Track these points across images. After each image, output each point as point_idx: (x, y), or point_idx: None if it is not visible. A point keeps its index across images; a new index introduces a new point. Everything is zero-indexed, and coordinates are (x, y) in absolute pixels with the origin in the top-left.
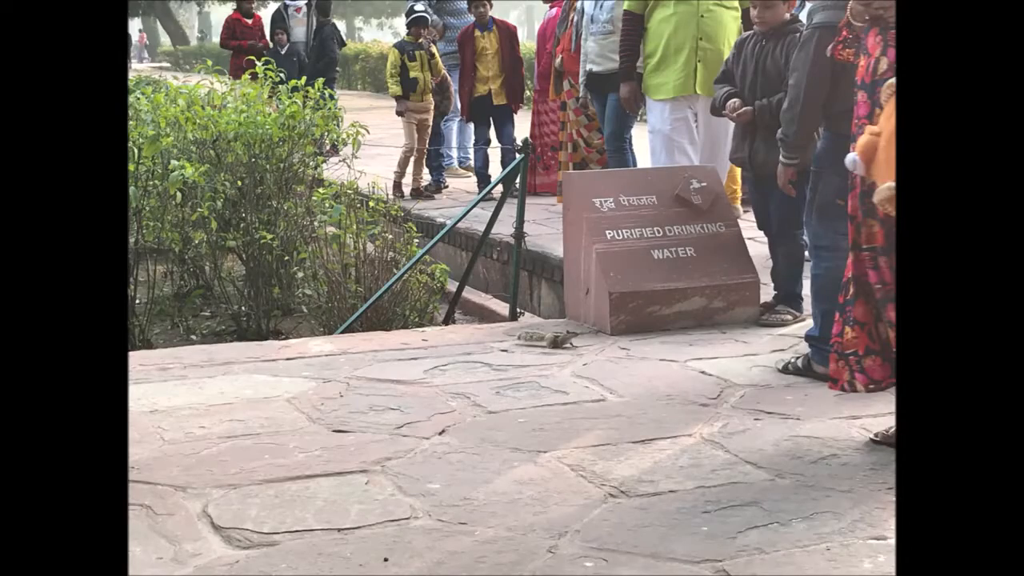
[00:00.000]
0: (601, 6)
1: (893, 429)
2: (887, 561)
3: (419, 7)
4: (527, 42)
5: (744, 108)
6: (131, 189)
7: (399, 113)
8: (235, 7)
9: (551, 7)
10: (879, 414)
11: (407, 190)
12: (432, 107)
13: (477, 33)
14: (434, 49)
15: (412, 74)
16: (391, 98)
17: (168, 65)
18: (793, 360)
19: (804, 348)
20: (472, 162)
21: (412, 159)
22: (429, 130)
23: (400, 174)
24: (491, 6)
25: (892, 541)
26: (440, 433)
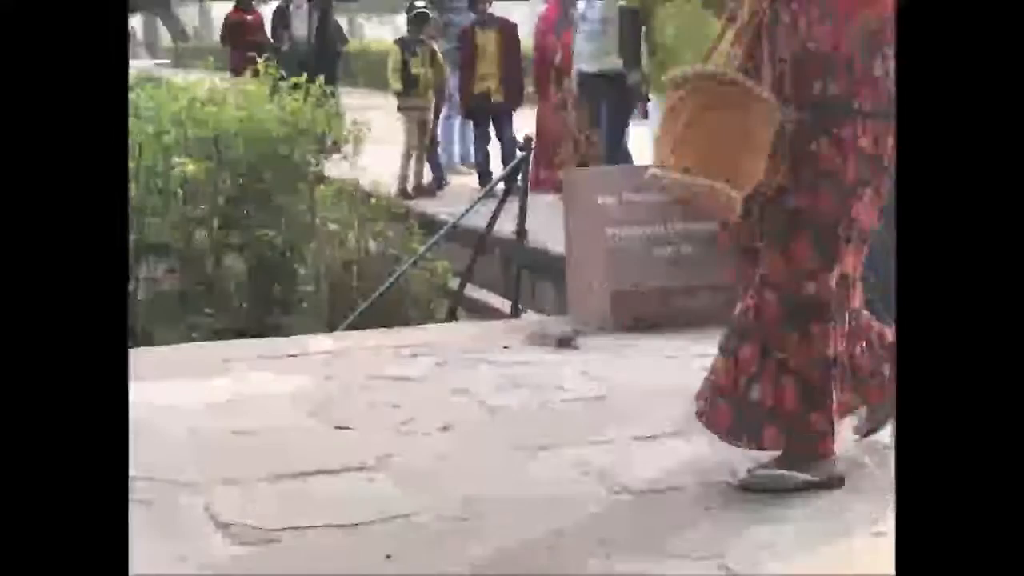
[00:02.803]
0: (593, 5)
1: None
2: (888, 558)
3: (420, 3)
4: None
5: None
6: (131, 186)
7: (400, 109)
8: (236, 3)
9: (545, 3)
10: None
11: (409, 187)
12: (433, 104)
13: (477, 30)
14: (435, 46)
15: (414, 71)
16: (393, 95)
17: (168, 62)
18: None
19: None
20: (473, 159)
21: (414, 156)
22: (430, 127)
23: (404, 176)
24: (491, 3)
25: (893, 538)
26: (442, 430)
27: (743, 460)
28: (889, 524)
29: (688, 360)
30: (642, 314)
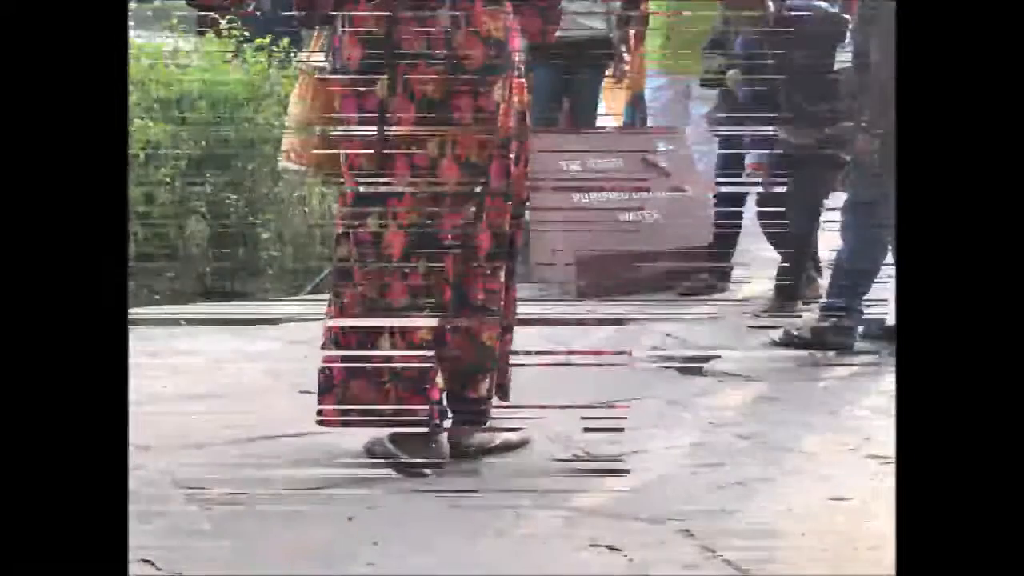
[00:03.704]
0: None
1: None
2: (848, 519)
3: None
4: None
5: None
6: None
7: None
8: None
9: None
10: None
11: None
12: None
13: None
14: None
15: None
16: None
17: (131, 23)
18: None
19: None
20: None
21: None
22: None
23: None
24: None
25: (854, 502)
26: None
27: (701, 423)
28: (848, 486)
29: (651, 325)
30: (606, 279)
